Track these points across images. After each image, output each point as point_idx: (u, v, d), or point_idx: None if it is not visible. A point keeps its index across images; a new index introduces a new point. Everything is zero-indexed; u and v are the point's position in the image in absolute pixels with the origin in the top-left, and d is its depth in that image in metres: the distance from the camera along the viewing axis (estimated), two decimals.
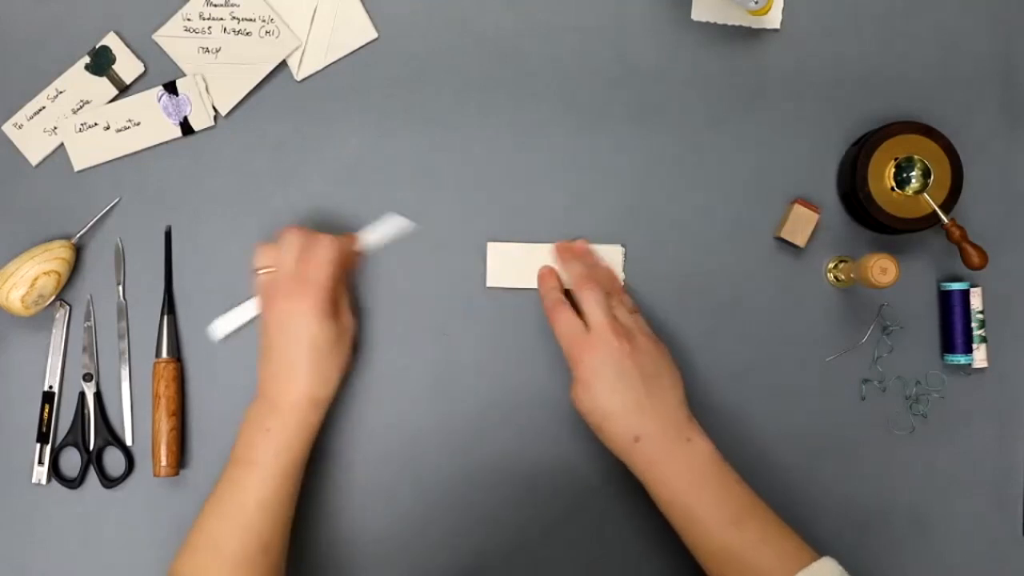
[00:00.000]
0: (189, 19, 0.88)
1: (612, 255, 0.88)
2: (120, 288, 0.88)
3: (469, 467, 0.88)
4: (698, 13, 0.90)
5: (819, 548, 0.80)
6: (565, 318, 0.82)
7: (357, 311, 0.87)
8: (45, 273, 0.84)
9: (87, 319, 0.88)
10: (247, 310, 0.87)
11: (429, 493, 0.87)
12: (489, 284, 0.88)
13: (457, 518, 0.87)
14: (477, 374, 0.88)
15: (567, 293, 0.85)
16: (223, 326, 0.87)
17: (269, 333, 0.81)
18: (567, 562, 0.88)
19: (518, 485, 0.88)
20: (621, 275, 0.88)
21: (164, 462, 0.85)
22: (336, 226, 0.88)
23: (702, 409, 0.87)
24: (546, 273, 0.87)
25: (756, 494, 0.79)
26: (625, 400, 0.78)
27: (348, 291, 0.86)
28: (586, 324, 0.81)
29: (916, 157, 0.86)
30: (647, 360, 0.80)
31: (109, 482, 0.87)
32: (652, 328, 0.84)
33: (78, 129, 0.88)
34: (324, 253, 0.80)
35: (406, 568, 0.87)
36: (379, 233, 0.87)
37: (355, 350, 0.86)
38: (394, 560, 0.87)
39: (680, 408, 0.80)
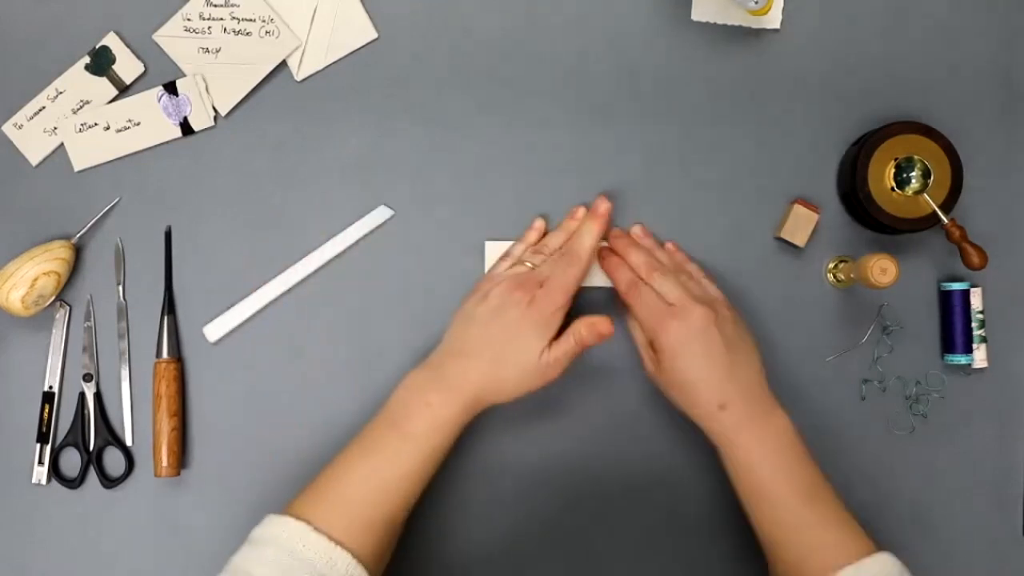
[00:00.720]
0: (189, 19, 0.88)
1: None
2: (120, 288, 0.88)
3: (468, 467, 0.88)
4: (698, 13, 0.90)
5: None
6: (645, 294, 0.82)
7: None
8: (45, 273, 0.84)
9: (87, 319, 0.88)
10: (242, 311, 0.87)
11: (433, 493, 0.87)
12: None
13: (458, 517, 0.87)
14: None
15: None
16: (218, 328, 0.87)
17: (496, 316, 0.79)
18: (563, 559, 0.88)
19: (518, 484, 0.88)
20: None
21: (165, 462, 0.85)
22: (336, 226, 0.88)
23: None
24: (615, 260, 0.85)
25: (824, 476, 0.79)
26: (712, 368, 0.79)
27: (574, 350, 0.81)
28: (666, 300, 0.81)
29: (916, 157, 0.86)
30: (730, 328, 0.80)
31: (109, 482, 0.87)
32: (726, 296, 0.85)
33: (78, 129, 0.88)
34: (576, 270, 0.81)
35: (404, 566, 0.87)
36: (360, 229, 0.88)
37: (531, 390, 0.81)
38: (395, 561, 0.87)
39: (761, 377, 0.81)
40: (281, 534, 0.72)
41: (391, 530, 0.76)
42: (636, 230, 0.88)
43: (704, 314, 0.79)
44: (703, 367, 0.79)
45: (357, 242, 0.88)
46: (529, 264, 0.83)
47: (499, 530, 0.87)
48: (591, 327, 0.80)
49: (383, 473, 0.76)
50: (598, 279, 0.87)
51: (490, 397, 0.79)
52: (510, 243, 0.88)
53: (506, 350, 0.78)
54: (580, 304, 0.85)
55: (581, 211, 0.87)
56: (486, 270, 0.88)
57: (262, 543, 0.73)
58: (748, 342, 0.82)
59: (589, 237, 0.83)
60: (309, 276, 0.88)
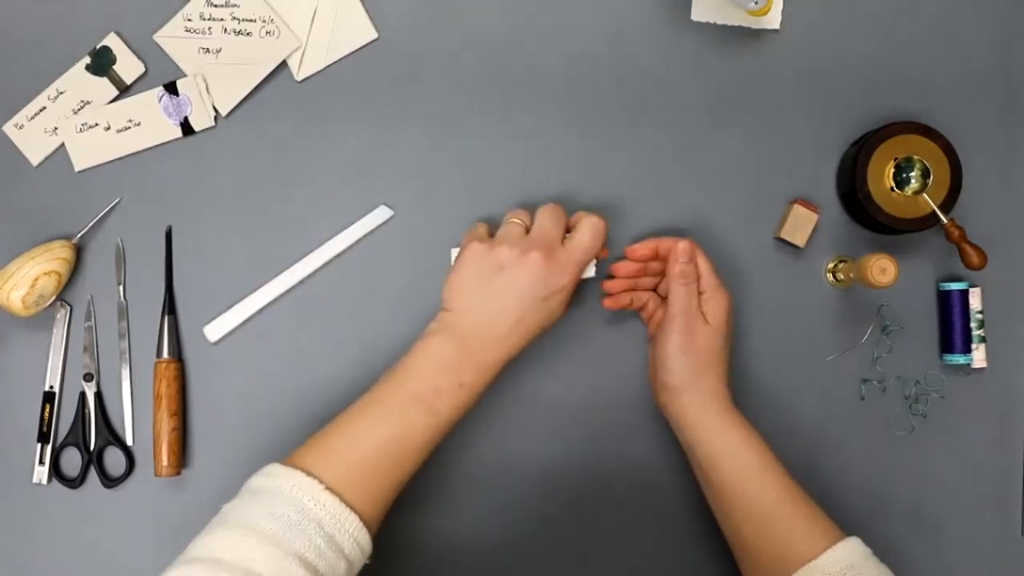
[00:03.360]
0: (189, 19, 0.88)
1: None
2: (120, 288, 0.88)
3: (468, 467, 0.88)
4: (698, 13, 0.90)
5: None
6: (709, 260, 0.84)
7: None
8: (46, 273, 0.84)
9: (88, 319, 0.88)
10: (242, 311, 0.87)
11: (431, 492, 0.87)
12: None
13: (458, 517, 0.87)
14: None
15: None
16: (218, 328, 0.87)
17: (510, 282, 0.76)
18: (565, 558, 0.88)
19: (520, 484, 0.88)
20: (592, 273, 0.85)
21: (166, 462, 0.85)
22: (336, 226, 0.88)
23: None
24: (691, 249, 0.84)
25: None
26: (727, 351, 0.83)
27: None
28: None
29: (916, 157, 0.86)
30: None
31: (110, 482, 0.87)
32: None
33: (79, 129, 0.88)
34: (595, 238, 0.80)
35: (406, 567, 0.87)
36: (360, 229, 0.88)
37: None
38: (397, 560, 0.87)
39: None
40: (291, 488, 0.69)
41: (396, 494, 0.75)
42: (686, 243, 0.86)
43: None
44: (728, 345, 0.83)
45: (357, 242, 0.88)
46: (517, 221, 0.81)
47: (483, 527, 0.88)
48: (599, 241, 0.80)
49: (404, 443, 0.74)
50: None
51: (510, 360, 0.78)
52: None
53: (539, 323, 0.78)
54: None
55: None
56: None
57: (267, 494, 0.70)
58: None
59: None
60: (309, 276, 0.88)
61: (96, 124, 0.88)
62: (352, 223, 0.88)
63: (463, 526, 0.87)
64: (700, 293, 0.83)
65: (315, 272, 0.88)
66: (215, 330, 0.87)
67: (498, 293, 0.77)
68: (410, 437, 0.74)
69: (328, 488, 0.70)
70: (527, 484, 0.88)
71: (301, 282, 0.88)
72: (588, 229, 0.80)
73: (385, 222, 0.88)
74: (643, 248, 0.84)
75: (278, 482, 0.70)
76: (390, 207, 0.89)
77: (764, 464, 0.79)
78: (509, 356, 0.77)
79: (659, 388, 0.83)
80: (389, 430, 0.74)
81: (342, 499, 0.70)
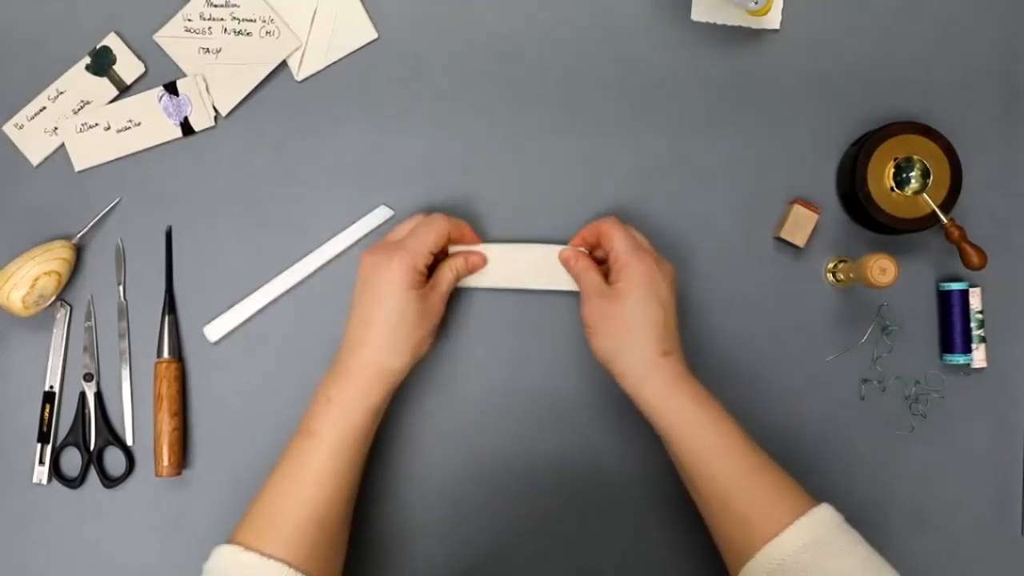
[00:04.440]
0: (189, 20, 0.88)
1: None
2: (121, 288, 0.88)
3: (466, 466, 0.88)
4: (698, 13, 0.90)
5: None
6: (624, 229, 0.82)
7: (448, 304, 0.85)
8: (46, 273, 0.84)
9: (88, 319, 0.88)
10: (242, 311, 0.87)
11: (429, 492, 0.87)
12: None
13: (456, 517, 0.87)
14: (475, 374, 0.88)
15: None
16: (218, 328, 0.87)
17: (355, 290, 0.80)
18: (565, 557, 0.88)
19: (517, 482, 0.88)
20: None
21: (166, 462, 0.85)
22: (336, 226, 0.88)
23: None
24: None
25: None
26: (667, 315, 0.80)
27: (452, 280, 0.83)
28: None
29: (916, 157, 0.86)
30: (676, 293, 0.82)
31: (110, 482, 0.87)
32: None
33: (79, 129, 0.88)
34: (433, 225, 0.81)
35: (409, 567, 0.87)
36: (360, 229, 0.88)
37: (435, 338, 0.84)
38: (396, 560, 0.87)
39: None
40: (219, 564, 0.74)
41: (326, 531, 0.76)
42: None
43: (667, 268, 0.82)
44: (662, 311, 0.79)
45: (357, 242, 0.88)
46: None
47: (504, 530, 0.88)
48: (466, 258, 0.84)
49: (298, 478, 0.76)
50: (527, 281, 0.87)
51: (390, 363, 0.79)
52: (484, 245, 0.87)
53: (387, 316, 0.78)
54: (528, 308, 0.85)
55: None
56: None
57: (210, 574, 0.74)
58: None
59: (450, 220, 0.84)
60: (309, 276, 0.88)
61: (96, 124, 0.88)
62: (352, 223, 0.88)
63: (453, 524, 0.88)
64: (610, 270, 0.82)
65: (315, 272, 0.88)
66: (215, 330, 0.87)
67: (354, 305, 0.80)
68: (302, 469, 0.76)
69: (247, 548, 0.73)
70: (521, 480, 0.88)
71: (301, 282, 0.88)
72: (424, 223, 0.81)
73: (385, 222, 0.88)
74: (577, 240, 0.86)
75: (212, 562, 0.74)
76: (390, 207, 0.89)
77: (719, 436, 0.77)
78: (368, 361, 0.78)
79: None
80: (283, 471, 0.77)
81: (262, 553, 0.73)
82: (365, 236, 0.88)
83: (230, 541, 0.74)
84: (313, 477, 0.76)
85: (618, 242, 0.81)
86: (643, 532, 0.88)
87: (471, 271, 0.85)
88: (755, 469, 0.77)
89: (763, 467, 0.77)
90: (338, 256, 0.88)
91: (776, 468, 0.78)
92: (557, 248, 0.86)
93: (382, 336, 0.78)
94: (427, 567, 0.87)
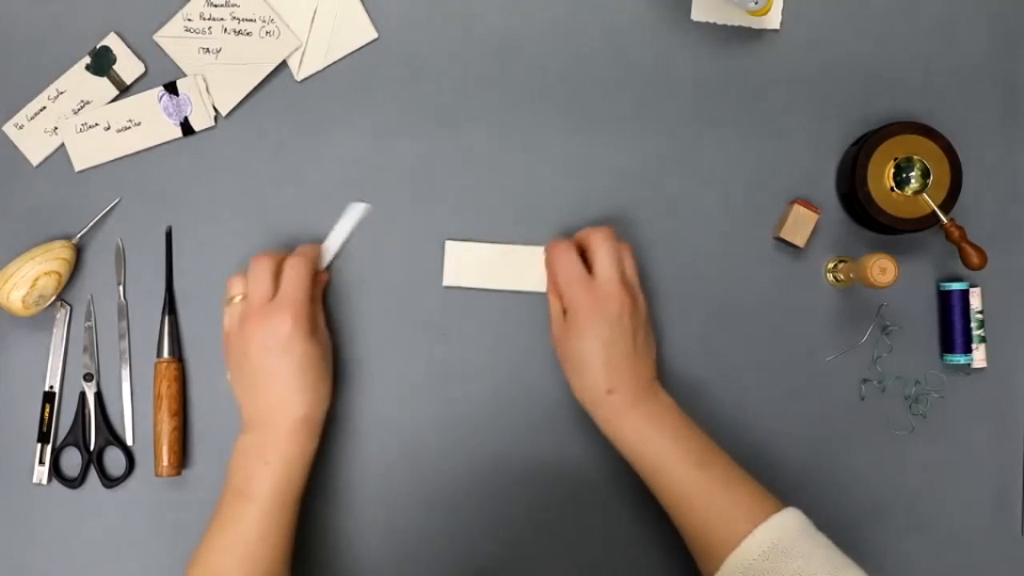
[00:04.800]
0: (189, 19, 0.88)
1: None
2: (121, 288, 0.88)
3: (462, 467, 0.88)
4: (698, 13, 0.90)
5: None
6: (569, 258, 0.81)
7: (328, 324, 0.86)
8: (46, 273, 0.84)
9: (88, 319, 0.88)
10: (349, 220, 0.87)
11: (423, 492, 0.87)
12: (447, 283, 0.88)
13: (454, 517, 0.87)
14: (473, 374, 0.88)
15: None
16: (334, 243, 0.87)
17: (251, 360, 0.79)
18: (564, 557, 0.88)
19: (513, 482, 0.88)
20: None
21: (166, 462, 0.85)
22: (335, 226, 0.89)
23: (701, 409, 0.88)
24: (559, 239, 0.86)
25: (719, 446, 0.80)
26: (612, 354, 0.79)
27: (321, 305, 0.86)
28: (594, 271, 0.81)
29: (916, 157, 0.86)
30: (641, 319, 0.81)
31: (110, 482, 0.87)
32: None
33: (79, 129, 0.88)
34: (296, 272, 0.80)
35: (406, 568, 0.87)
36: (343, 228, 0.88)
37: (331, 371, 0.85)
38: (395, 560, 0.87)
39: (653, 367, 0.83)
40: None
41: None
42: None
43: (624, 301, 0.79)
44: (603, 351, 0.79)
45: (345, 243, 0.88)
46: (237, 298, 0.82)
47: (501, 531, 0.88)
48: (305, 263, 0.82)
49: (241, 540, 0.77)
50: (513, 282, 0.87)
51: (319, 413, 0.81)
52: (475, 244, 0.88)
53: (292, 370, 0.79)
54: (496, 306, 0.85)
55: None
56: (444, 272, 0.88)
57: None
58: (651, 336, 0.84)
59: (280, 254, 0.84)
60: None
61: (96, 124, 0.88)
62: (347, 225, 0.88)
63: (448, 524, 0.88)
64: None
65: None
66: (329, 248, 0.87)
67: (250, 373, 0.80)
68: (242, 533, 0.77)
69: None
70: (518, 479, 0.88)
71: None
72: (289, 272, 0.80)
73: (364, 215, 0.88)
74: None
75: None
76: (376, 203, 0.88)
77: (665, 460, 0.78)
78: (299, 415, 0.79)
79: None
80: (224, 535, 0.77)
81: None
82: (351, 236, 0.88)
83: None
84: (255, 538, 0.77)
85: (563, 271, 0.81)
86: (642, 530, 0.87)
87: (325, 277, 0.86)
88: (713, 483, 0.77)
89: (723, 479, 0.78)
90: (335, 257, 0.88)
91: (739, 477, 0.78)
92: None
93: (302, 391, 0.79)
94: (424, 568, 0.87)
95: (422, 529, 0.87)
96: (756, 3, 0.84)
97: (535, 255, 0.87)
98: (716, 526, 0.76)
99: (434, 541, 0.87)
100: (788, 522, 0.75)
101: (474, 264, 0.88)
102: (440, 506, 0.87)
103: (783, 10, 0.90)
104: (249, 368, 0.80)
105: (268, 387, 0.79)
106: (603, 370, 0.79)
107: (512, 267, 0.87)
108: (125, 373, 0.88)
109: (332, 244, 0.88)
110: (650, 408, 0.80)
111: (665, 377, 0.85)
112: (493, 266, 0.87)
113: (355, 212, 0.88)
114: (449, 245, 0.87)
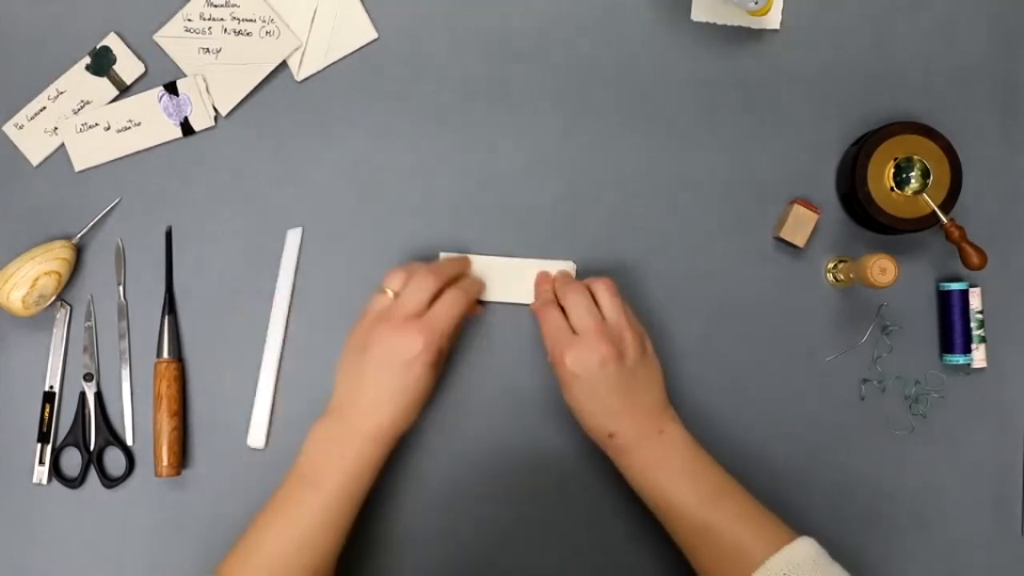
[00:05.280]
0: (189, 20, 0.88)
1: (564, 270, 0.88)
2: (121, 288, 0.88)
3: (457, 466, 0.88)
4: (698, 13, 0.90)
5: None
6: (552, 317, 0.82)
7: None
8: (46, 273, 0.84)
9: (88, 319, 0.88)
10: (263, 404, 0.88)
11: (421, 488, 0.87)
12: None
13: (452, 515, 0.87)
14: (470, 374, 0.88)
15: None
16: (258, 432, 0.87)
17: (369, 358, 0.79)
18: (559, 556, 0.88)
19: (508, 481, 0.88)
20: None
21: (166, 462, 0.85)
22: (336, 226, 0.88)
23: (701, 410, 0.88)
24: (542, 276, 0.87)
25: (731, 476, 0.80)
26: (602, 403, 0.80)
27: (456, 337, 0.86)
28: (573, 326, 0.81)
29: (916, 157, 0.86)
30: (630, 362, 0.80)
31: (110, 482, 0.87)
32: (640, 321, 0.84)
33: (79, 129, 0.88)
34: (451, 306, 0.81)
35: (401, 564, 0.87)
36: (290, 259, 0.88)
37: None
38: (390, 557, 0.87)
39: (656, 404, 0.82)
40: None
41: None
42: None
43: (601, 351, 0.78)
44: (591, 401, 0.80)
45: (296, 269, 0.88)
46: (389, 291, 0.82)
47: (496, 529, 0.88)
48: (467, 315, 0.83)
49: (302, 527, 0.77)
50: (502, 294, 0.88)
51: (404, 429, 0.81)
52: (465, 256, 0.88)
53: (404, 388, 0.79)
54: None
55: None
56: None
57: None
58: (647, 372, 0.82)
59: (454, 269, 0.85)
60: (299, 277, 0.88)
61: (96, 124, 0.88)
62: (349, 225, 0.88)
63: (448, 522, 0.88)
64: None
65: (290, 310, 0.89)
66: (256, 436, 0.87)
67: (361, 368, 0.80)
68: (308, 521, 0.77)
69: None
70: (516, 477, 0.88)
71: (296, 286, 0.88)
72: (446, 298, 0.81)
73: (301, 239, 0.88)
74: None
75: None
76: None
77: (674, 498, 0.78)
78: (386, 425, 0.79)
79: None
80: (288, 520, 0.77)
81: None
82: (297, 262, 0.88)
83: (217, 574, 0.75)
84: (316, 527, 0.77)
85: (546, 329, 0.82)
86: (639, 528, 0.87)
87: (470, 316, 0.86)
88: (723, 519, 0.77)
89: (734, 514, 0.77)
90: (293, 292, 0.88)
91: (750, 511, 0.78)
92: (542, 263, 0.88)
93: (401, 406, 0.79)
94: (424, 564, 0.87)
95: (420, 524, 0.87)
96: (756, 3, 0.84)
97: (524, 268, 0.88)
98: (729, 560, 0.76)
99: (432, 536, 0.87)
100: (801, 552, 0.75)
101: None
102: (438, 502, 0.87)
103: (783, 10, 0.90)
104: (363, 364, 0.79)
105: (371, 389, 0.79)
106: (598, 418, 0.80)
107: (502, 280, 0.88)
108: (125, 373, 0.88)
109: (288, 279, 0.88)
110: (654, 449, 0.80)
111: (665, 376, 0.85)
112: (485, 279, 0.88)
113: (295, 239, 0.88)
114: (443, 257, 0.88)
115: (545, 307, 0.83)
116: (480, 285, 0.87)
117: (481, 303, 0.88)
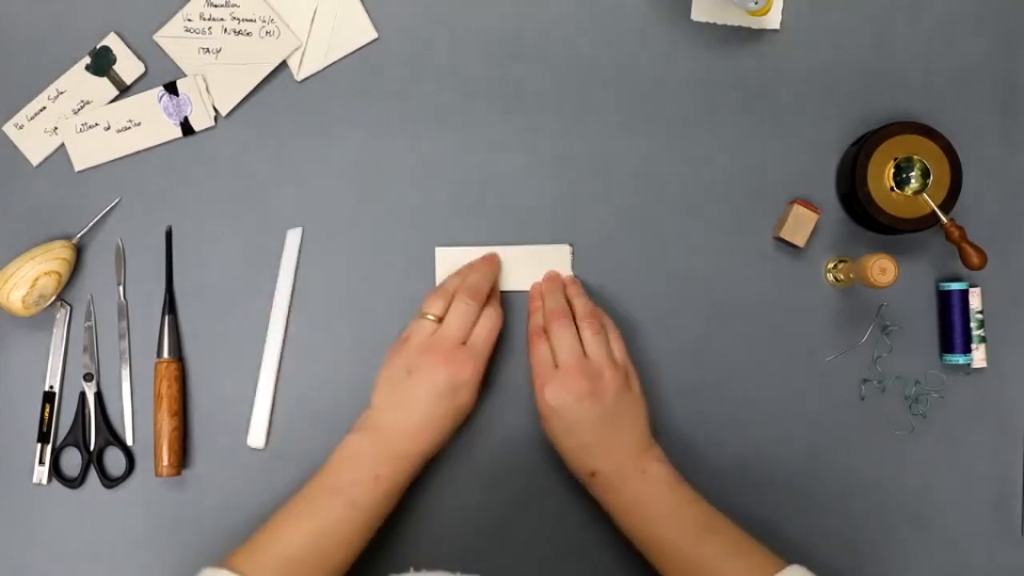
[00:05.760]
0: (189, 20, 0.88)
1: (559, 255, 0.88)
2: (121, 288, 0.88)
3: (455, 457, 0.88)
4: (698, 13, 0.90)
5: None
6: (540, 350, 0.83)
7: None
8: (46, 273, 0.84)
9: (88, 319, 0.88)
10: (263, 403, 0.87)
11: (416, 488, 0.88)
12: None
13: (447, 503, 0.87)
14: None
15: None
16: (258, 432, 0.87)
17: (413, 382, 0.80)
18: (555, 556, 0.88)
19: (504, 474, 0.88)
20: (569, 273, 0.88)
21: (166, 462, 0.85)
22: (338, 227, 0.88)
23: (700, 410, 0.88)
24: (535, 295, 0.87)
25: (716, 511, 0.80)
26: (581, 439, 0.80)
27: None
28: (556, 360, 0.82)
29: (915, 157, 0.86)
30: (609, 396, 0.80)
31: (110, 482, 0.87)
32: (630, 355, 0.84)
33: (79, 129, 0.88)
34: (492, 326, 0.82)
35: (398, 563, 0.87)
36: (290, 260, 0.88)
37: None
38: (386, 556, 0.87)
39: (638, 442, 0.81)
40: None
41: None
42: (567, 279, 0.88)
43: (579, 388, 0.79)
44: (568, 437, 0.80)
45: (296, 270, 0.88)
46: (431, 316, 0.82)
47: (491, 529, 0.88)
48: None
49: (328, 538, 0.77)
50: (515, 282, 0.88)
51: (434, 452, 0.82)
52: (460, 248, 0.88)
53: (447, 413, 0.80)
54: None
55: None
56: (437, 278, 0.88)
57: None
58: (629, 410, 0.82)
59: (487, 282, 0.85)
60: (297, 279, 0.88)
61: (96, 124, 0.88)
62: (348, 225, 0.88)
63: (447, 521, 0.88)
64: None
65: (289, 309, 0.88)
66: (256, 436, 0.87)
67: (407, 393, 0.80)
68: (332, 531, 0.77)
69: None
70: (513, 476, 0.88)
71: (295, 286, 0.88)
72: (485, 323, 0.82)
73: (301, 239, 0.88)
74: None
75: None
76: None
77: (658, 537, 0.78)
78: (425, 450, 0.80)
79: None
80: (311, 525, 0.77)
81: None
82: (297, 263, 0.88)
83: (229, 566, 0.74)
84: (341, 540, 0.77)
85: (533, 362, 0.83)
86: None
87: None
88: (707, 555, 0.76)
89: (720, 550, 0.77)
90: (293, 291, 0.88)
91: (737, 545, 0.78)
92: (540, 248, 0.88)
93: (444, 432, 0.81)
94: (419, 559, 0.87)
95: (417, 519, 0.87)
96: (756, 3, 0.84)
97: (519, 254, 0.88)
98: None
99: (429, 531, 0.87)
100: None
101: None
102: (435, 496, 0.87)
103: (783, 10, 0.90)
104: (410, 389, 0.80)
105: (417, 416, 0.80)
106: (578, 454, 0.80)
107: (506, 267, 0.88)
108: (125, 373, 0.88)
109: (288, 281, 0.88)
110: (637, 488, 0.79)
111: (665, 377, 0.85)
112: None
113: (295, 239, 0.88)
114: (439, 251, 0.88)
115: (534, 337, 0.84)
116: (498, 293, 0.87)
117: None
